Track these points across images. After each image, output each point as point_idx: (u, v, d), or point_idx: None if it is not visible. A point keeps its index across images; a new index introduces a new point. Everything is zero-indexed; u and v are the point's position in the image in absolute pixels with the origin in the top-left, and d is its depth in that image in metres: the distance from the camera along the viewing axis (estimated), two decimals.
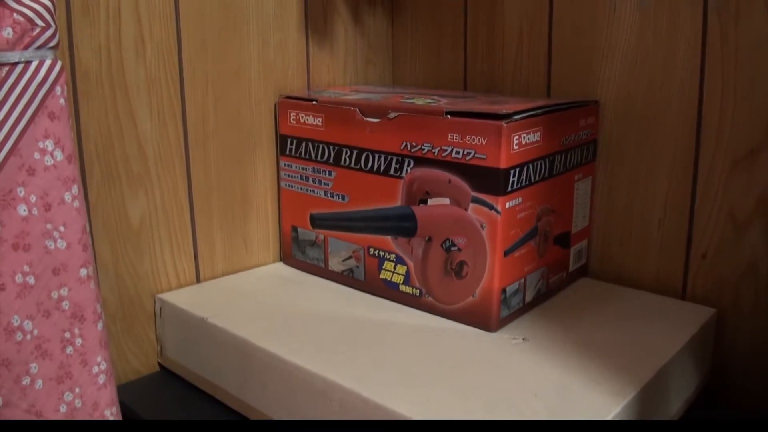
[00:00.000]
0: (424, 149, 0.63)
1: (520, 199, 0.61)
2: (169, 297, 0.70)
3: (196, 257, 0.74)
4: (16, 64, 0.46)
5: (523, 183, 0.61)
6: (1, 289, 0.46)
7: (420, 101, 0.66)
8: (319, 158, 0.72)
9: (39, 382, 0.48)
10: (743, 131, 0.64)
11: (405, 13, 0.90)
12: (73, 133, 0.62)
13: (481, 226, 0.61)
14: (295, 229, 0.77)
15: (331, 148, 0.71)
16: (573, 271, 0.73)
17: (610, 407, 0.50)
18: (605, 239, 0.75)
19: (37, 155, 0.47)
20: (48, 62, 0.47)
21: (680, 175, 0.68)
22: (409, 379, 0.53)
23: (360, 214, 0.70)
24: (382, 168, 0.67)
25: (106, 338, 0.52)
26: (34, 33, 0.46)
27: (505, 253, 0.61)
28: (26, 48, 0.46)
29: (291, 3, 0.79)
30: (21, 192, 0.47)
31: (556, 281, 0.70)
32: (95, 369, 0.51)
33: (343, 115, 0.69)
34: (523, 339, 0.60)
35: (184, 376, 0.69)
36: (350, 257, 0.72)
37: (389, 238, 0.68)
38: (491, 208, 0.60)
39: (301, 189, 0.75)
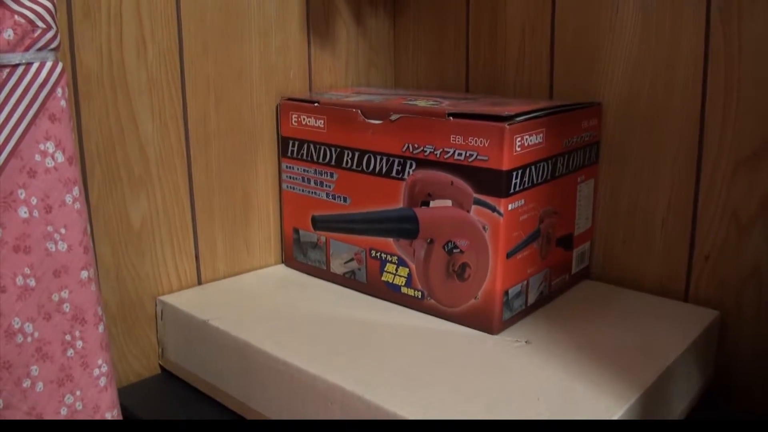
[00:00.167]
0: (426, 151, 0.63)
1: (523, 201, 0.61)
2: (171, 299, 0.69)
3: (197, 259, 0.74)
4: (16, 65, 0.46)
5: (526, 185, 0.61)
6: (2, 291, 0.46)
7: (422, 103, 0.66)
8: (320, 160, 0.72)
9: (39, 385, 0.48)
10: (747, 132, 0.64)
11: (407, 15, 0.89)
12: (75, 134, 0.62)
13: (484, 228, 0.60)
14: (296, 231, 0.77)
15: (333, 149, 0.71)
16: (576, 273, 0.73)
17: (612, 410, 0.49)
18: (608, 241, 0.75)
19: (37, 157, 0.47)
20: (49, 64, 0.47)
21: (683, 177, 0.68)
22: (410, 382, 0.53)
23: (362, 216, 0.69)
24: (384, 170, 0.66)
25: (107, 341, 0.52)
26: (35, 35, 0.46)
27: (508, 255, 0.61)
28: (27, 50, 0.46)
29: (292, 5, 0.79)
30: (22, 194, 0.46)
31: (558, 283, 0.70)
32: (96, 371, 0.51)
33: (345, 116, 0.69)
34: (526, 341, 0.60)
35: (185, 379, 0.69)
36: (352, 259, 0.72)
37: (391, 240, 0.68)
38: (493, 210, 0.59)
39: (302, 191, 0.75)
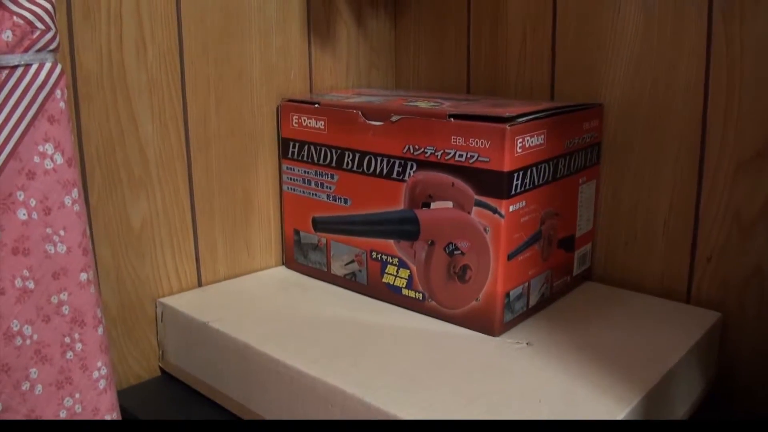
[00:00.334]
0: (427, 152, 0.63)
1: (524, 202, 0.61)
2: (171, 301, 0.69)
3: (197, 261, 0.74)
4: (15, 67, 0.45)
5: (527, 186, 0.61)
6: (1, 293, 0.46)
7: (423, 104, 0.66)
8: (321, 161, 0.72)
9: (39, 388, 0.48)
10: (749, 133, 0.63)
11: (408, 16, 0.89)
12: (74, 136, 0.62)
13: (485, 229, 0.60)
14: (297, 232, 0.77)
15: (334, 151, 0.71)
16: (577, 274, 0.73)
17: (614, 413, 0.49)
18: (609, 243, 0.74)
19: (36, 159, 0.47)
20: (48, 65, 0.47)
21: (685, 178, 0.68)
22: (411, 384, 0.53)
23: (362, 217, 0.69)
24: (385, 171, 0.66)
25: (107, 343, 0.52)
26: (34, 36, 0.46)
27: (509, 257, 0.61)
28: (26, 51, 0.46)
29: (293, 5, 0.78)
30: (20, 196, 0.46)
31: (560, 285, 0.70)
32: (95, 374, 0.51)
33: (346, 118, 0.69)
34: (527, 343, 0.60)
35: (186, 381, 0.68)
36: (352, 261, 0.71)
37: (392, 241, 0.67)
38: (495, 211, 0.59)
39: (303, 192, 0.75)
